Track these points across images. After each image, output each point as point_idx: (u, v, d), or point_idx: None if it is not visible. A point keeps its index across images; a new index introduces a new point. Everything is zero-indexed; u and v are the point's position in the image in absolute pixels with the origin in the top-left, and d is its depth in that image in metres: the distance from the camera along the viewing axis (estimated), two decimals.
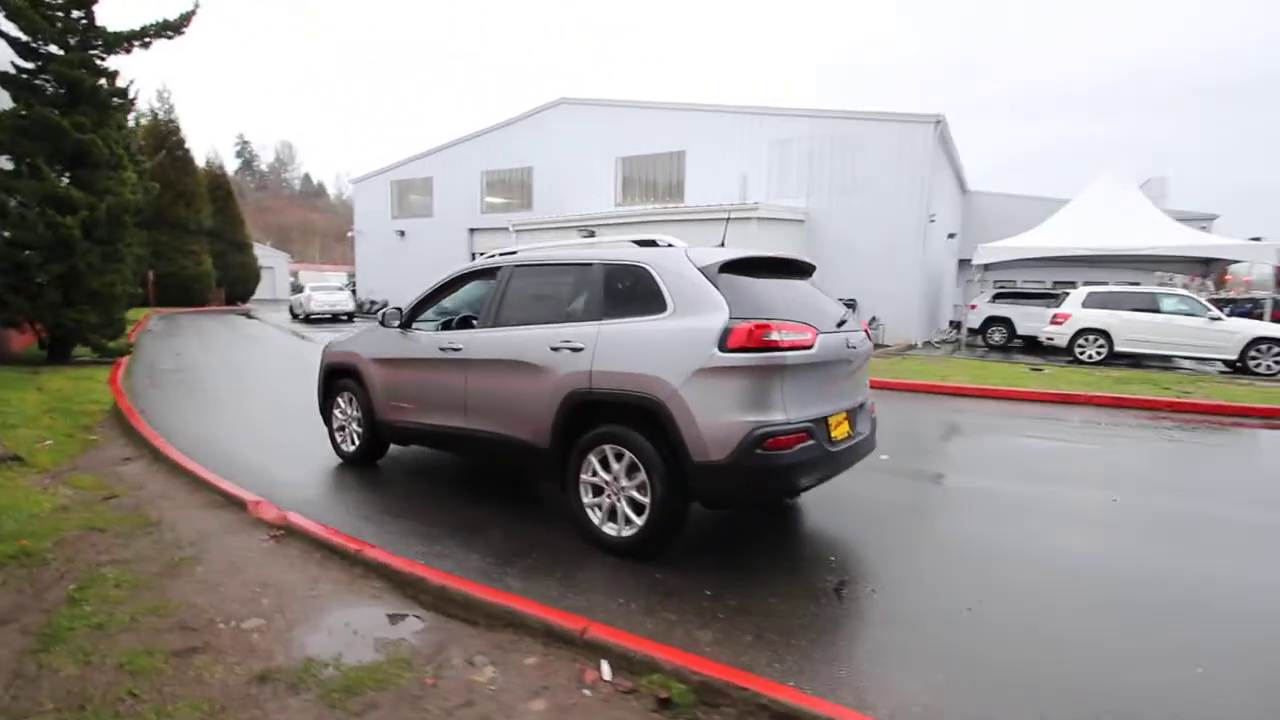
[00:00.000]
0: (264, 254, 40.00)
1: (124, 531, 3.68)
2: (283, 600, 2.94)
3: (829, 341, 3.58)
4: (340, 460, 5.39)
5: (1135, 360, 14.04)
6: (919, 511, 4.58)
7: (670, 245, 3.83)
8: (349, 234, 32.02)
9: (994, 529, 4.22)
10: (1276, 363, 12.41)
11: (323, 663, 2.45)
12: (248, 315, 25.32)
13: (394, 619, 2.83)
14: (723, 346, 3.25)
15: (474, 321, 5.21)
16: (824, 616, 2.96)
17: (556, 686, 2.31)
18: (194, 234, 28.87)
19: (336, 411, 5.43)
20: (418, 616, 2.85)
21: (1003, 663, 2.58)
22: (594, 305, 3.81)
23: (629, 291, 3.74)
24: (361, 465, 5.26)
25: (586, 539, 3.73)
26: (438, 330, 4.83)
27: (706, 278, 3.48)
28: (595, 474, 3.68)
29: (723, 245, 3.98)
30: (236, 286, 32.85)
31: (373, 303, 27.34)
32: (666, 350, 3.39)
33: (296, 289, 28.24)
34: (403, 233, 28.42)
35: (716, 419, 3.24)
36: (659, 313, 3.53)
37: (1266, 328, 13.02)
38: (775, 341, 3.24)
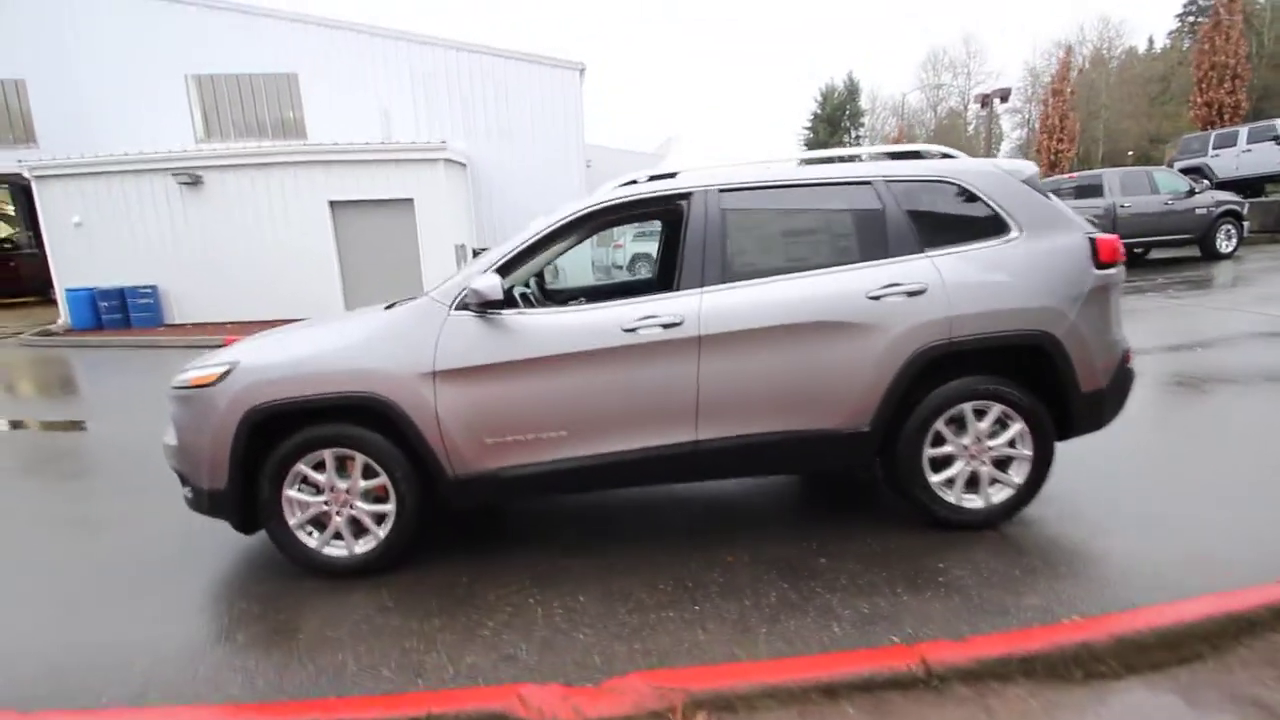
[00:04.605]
0: None
1: None
2: None
3: None
4: (317, 570, 2.93)
5: None
6: None
7: (947, 154, 3.19)
8: None
9: None
10: None
11: None
12: None
13: None
14: (1098, 263, 2.97)
15: (621, 283, 3.47)
16: None
17: None
18: None
19: (295, 494, 2.88)
20: None
21: None
22: (900, 235, 2.94)
23: (947, 214, 3.02)
24: (377, 572, 2.95)
25: (937, 523, 3.02)
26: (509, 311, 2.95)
27: (1035, 190, 3.06)
28: (943, 443, 2.97)
29: (918, 154, 3.43)
30: None
31: None
32: (1048, 277, 2.90)
33: None
34: None
35: (1102, 341, 2.98)
36: (1003, 235, 2.97)
37: None
38: (1123, 254, 3.11)
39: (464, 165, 16.98)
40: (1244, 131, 17.97)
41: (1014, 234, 2.97)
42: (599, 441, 2.87)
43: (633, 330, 2.81)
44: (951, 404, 2.93)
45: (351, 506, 2.91)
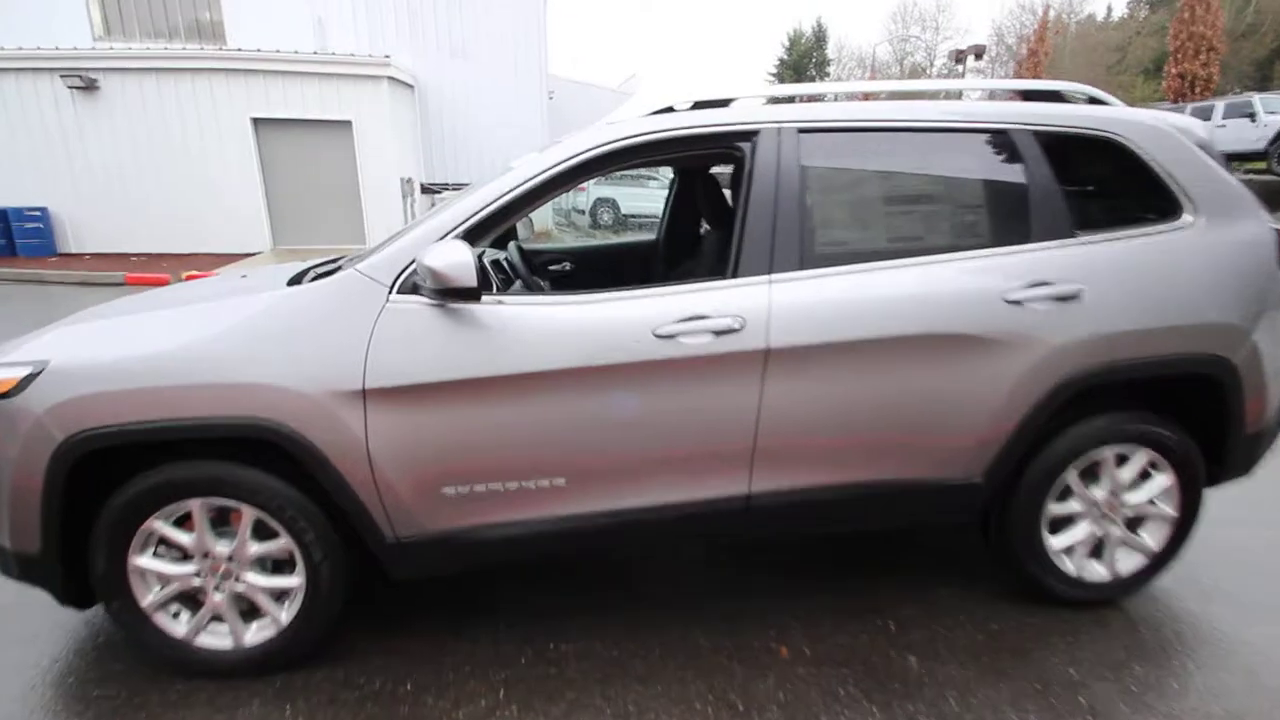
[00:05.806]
0: None
1: None
2: None
3: None
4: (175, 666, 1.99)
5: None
6: None
7: (1097, 99, 2.31)
8: None
9: None
10: None
11: None
12: None
13: None
14: None
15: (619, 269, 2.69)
16: None
17: None
18: None
19: (147, 563, 1.91)
20: None
21: None
22: (1047, 210, 2.09)
23: (1104, 184, 2.19)
24: (280, 671, 2.03)
25: (1045, 598, 2.30)
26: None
27: (1212, 158, 2.24)
28: (1068, 498, 2.22)
29: (1058, 95, 2.53)
30: None
31: None
32: (1231, 281, 2.12)
33: None
34: None
35: (1276, 368, 2.24)
36: (1174, 217, 2.15)
37: None
38: None
39: (411, 87, 15.18)
40: (1220, 106, 17.76)
41: (1188, 217, 2.16)
42: (610, 495, 1.99)
43: (670, 338, 1.90)
44: (1090, 448, 2.16)
45: (237, 579, 1.96)
